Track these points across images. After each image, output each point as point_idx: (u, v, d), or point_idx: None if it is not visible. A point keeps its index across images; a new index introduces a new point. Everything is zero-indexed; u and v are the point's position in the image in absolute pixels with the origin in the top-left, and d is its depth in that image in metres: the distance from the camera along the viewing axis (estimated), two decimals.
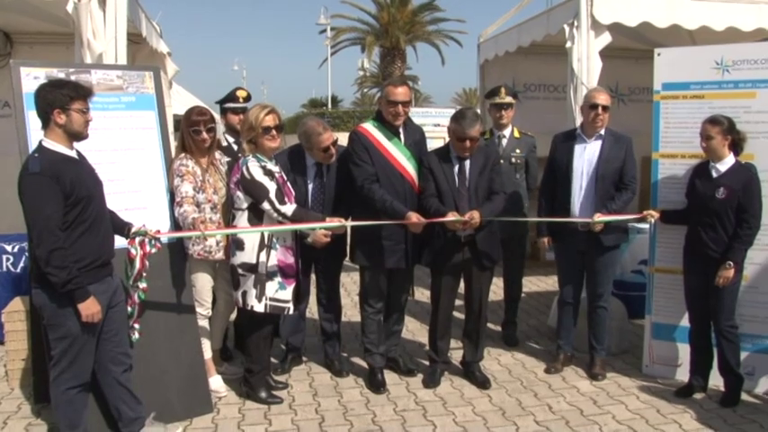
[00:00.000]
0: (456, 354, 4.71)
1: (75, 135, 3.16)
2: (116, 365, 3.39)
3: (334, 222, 3.94)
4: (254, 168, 3.83)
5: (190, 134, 4.01)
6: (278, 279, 3.91)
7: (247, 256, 3.86)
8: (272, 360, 4.48)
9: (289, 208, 3.85)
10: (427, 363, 4.61)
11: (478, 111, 5.08)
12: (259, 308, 3.89)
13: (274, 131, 3.90)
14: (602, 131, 4.44)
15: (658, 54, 4.52)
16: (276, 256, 3.90)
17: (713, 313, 4.07)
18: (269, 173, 3.87)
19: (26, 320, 4.27)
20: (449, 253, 4.25)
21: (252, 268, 3.86)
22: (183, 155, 4.02)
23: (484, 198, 4.23)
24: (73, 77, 3.75)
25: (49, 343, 3.24)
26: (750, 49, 4.38)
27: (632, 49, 6.82)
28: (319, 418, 3.92)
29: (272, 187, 3.83)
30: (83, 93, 3.17)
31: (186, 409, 3.85)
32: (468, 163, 4.23)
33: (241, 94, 4.78)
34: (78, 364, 3.19)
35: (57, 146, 3.11)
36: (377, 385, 4.32)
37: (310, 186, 4.38)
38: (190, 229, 3.70)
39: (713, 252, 3.98)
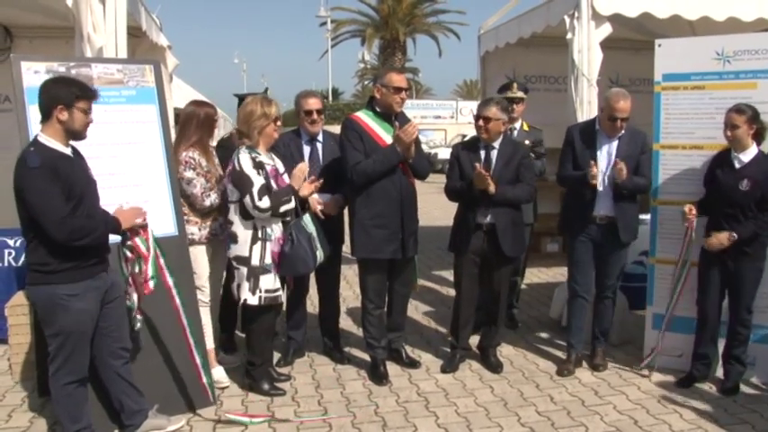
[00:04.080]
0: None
1: (75, 134, 3.14)
2: (115, 359, 3.41)
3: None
4: (245, 160, 3.81)
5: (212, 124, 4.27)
6: (273, 272, 3.90)
7: (240, 249, 3.87)
8: (275, 353, 4.49)
9: (264, 202, 3.77)
10: (425, 353, 4.65)
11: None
12: (253, 300, 3.88)
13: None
14: None
15: (659, 45, 4.51)
16: (270, 248, 3.88)
17: (733, 302, 4.07)
18: (259, 165, 3.82)
19: (29, 314, 4.29)
20: (469, 239, 4.36)
21: (245, 261, 3.86)
22: (190, 147, 4.11)
23: None
24: (73, 71, 3.76)
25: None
26: (751, 39, 4.37)
27: (633, 39, 6.79)
28: (322, 410, 3.94)
29: (257, 181, 3.77)
30: (90, 94, 3.16)
31: (189, 401, 3.87)
32: (494, 153, 4.35)
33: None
34: (74, 359, 3.20)
35: (52, 142, 3.08)
36: (379, 377, 4.34)
37: (306, 159, 4.47)
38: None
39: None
